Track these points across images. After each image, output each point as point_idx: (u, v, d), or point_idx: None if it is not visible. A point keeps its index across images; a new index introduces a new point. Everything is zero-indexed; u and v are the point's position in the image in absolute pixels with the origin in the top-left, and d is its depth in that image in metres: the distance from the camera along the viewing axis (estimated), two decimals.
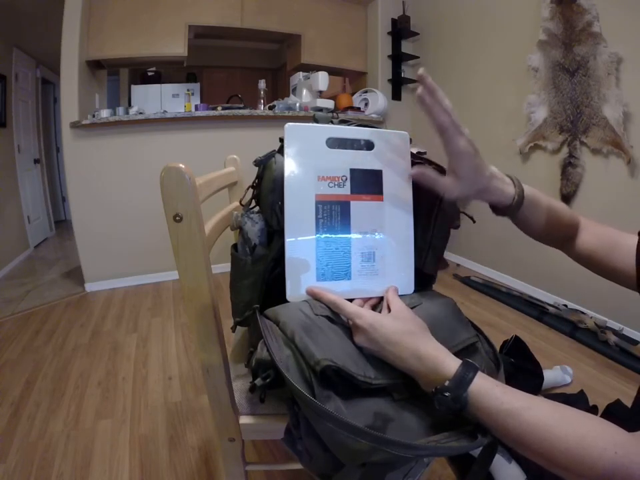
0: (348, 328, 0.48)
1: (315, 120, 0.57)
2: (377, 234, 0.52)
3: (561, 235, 0.56)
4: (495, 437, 0.38)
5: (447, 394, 0.37)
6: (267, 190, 0.52)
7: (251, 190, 0.58)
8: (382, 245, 0.53)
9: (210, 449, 1.10)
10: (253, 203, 0.59)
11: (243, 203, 0.58)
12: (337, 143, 0.51)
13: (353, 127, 0.53)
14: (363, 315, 0.45)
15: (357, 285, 0.52)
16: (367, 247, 0.52)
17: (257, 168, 0.56)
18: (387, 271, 0.53)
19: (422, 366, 0.41)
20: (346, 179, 0.49)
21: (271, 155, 0.53)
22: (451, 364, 0.40)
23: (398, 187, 0.52)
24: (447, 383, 0.38)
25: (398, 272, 0.54)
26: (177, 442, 1.13)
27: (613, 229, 0.55)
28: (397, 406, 0.43)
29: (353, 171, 0.50)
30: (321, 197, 0.49)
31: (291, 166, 0.49)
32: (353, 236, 0.51)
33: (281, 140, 0.55)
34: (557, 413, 0.36)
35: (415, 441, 0.37)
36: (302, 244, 0.49)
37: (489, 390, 0.38)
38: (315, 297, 0.50)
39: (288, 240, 0.49)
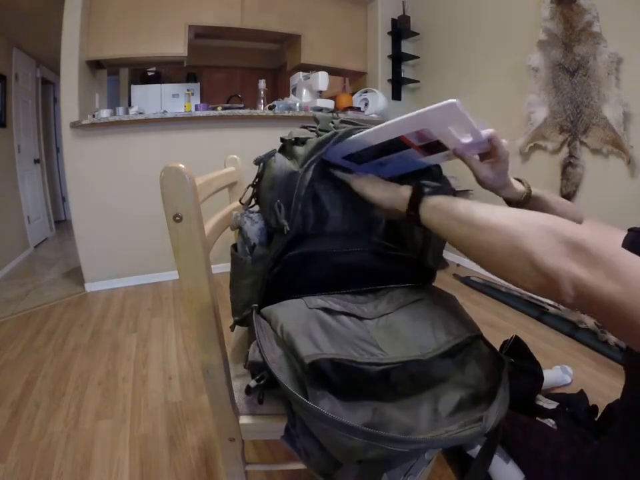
0: (346, 315, 0.49)
1: (316, 120, 0.57)
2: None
3: None
4: (495, 436, 0.38)
5: (431, 185, 0.46)
6: (266, 188, 0.53)
7: (250, 189, 0.58)
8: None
9: (210, 449, 1.10)
10: (253, 202, 0.59)
11: (243, 201, 0.58)
12: (455, 125, 0.51)
13: (474, 126, 0.51)
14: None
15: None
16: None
17: (257, 167, 0.56)
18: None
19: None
20: (428, 141, 0.51)
21: (271, 154, 0.54)
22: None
23: (434, 159, 0.55)
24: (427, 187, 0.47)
25: None
26: (177, 442, 1.12)
27: (607, 226, 0.59)
28: (395, 402, 0.43)
29: (437, 141, 0.51)
30: (404, 138, 0.51)
31: (429, 111, 0.47)
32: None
33: (282, 140, 0.56)
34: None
35: (414, 436, 0.37)
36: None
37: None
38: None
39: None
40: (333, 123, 0.57)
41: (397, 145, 0.52)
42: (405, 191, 0.49)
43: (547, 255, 0.33)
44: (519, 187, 0.58)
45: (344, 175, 0.57)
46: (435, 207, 0.45)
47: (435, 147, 0.52)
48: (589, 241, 0.33)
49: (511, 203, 0.60)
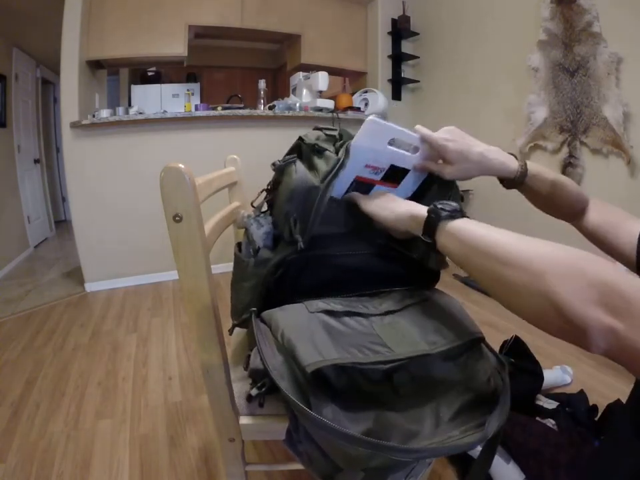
0: (349, 315, 0.48)
1: (340, 135, 0.56)
2: None
3: (567, 210, 0.62)
4: (496, 438, 0.38)
5: (448, 207, 0.42)
6: (284, 198, 0.51)
7: (264, 193, 0.57)
8: None
9: (210, 449, 1.10)
10: (265, 207, 0.59)
11: (255, 205, 0.58)
12: (396, 143, 0.55)
13: (411, 133, 0.55)
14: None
15: None
16: None
17: (273, 171, 0.55)
18: None
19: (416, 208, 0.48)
20: (383, 170, 0.55)
21: (291, 161, 0.52)
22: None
23: (410, 181, 0.60)
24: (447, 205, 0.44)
25: None
26: (177, 442, 1.12)
27: (621, 211, 0.59)
28: (398, 407, 0.43)
29: (392, 166, 0.55)
30: (359, 178, 0.55)
31: (355, 151, 0.51)
32: None
33: (302, 141, 0.54)
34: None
35: (416, 443, 0.37)
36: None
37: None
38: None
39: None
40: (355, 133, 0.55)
41: (364, 185, 0.55)
42: (420, 213, 0.45)
43: (574, 299, 0.29)
44: (512, 165, 0.56)
45: (352, 195, 0.55)
46: (452, 233, 0.41)
47: (397, 174, 0.56)
48: (622, 283, 0.28)
49: (506, 182, 0.58)
